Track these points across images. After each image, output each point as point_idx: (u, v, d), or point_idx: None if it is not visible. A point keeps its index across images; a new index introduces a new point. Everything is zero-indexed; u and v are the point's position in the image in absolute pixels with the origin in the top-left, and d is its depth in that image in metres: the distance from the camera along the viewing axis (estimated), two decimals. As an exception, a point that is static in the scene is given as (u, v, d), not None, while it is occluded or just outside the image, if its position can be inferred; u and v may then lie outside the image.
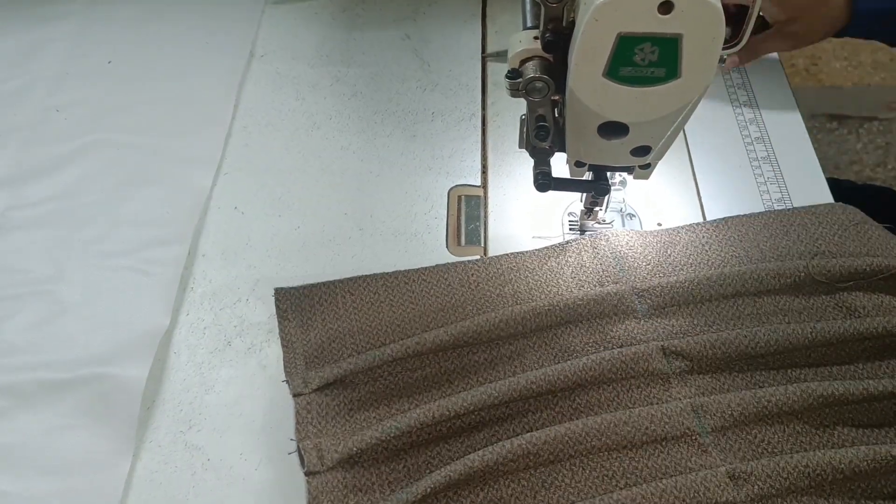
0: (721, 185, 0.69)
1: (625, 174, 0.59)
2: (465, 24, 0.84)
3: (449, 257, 0.63)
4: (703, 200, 0.67)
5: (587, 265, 0.61)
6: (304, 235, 0.65)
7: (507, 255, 0.62)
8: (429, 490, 0.48)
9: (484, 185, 0.69)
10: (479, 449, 0.52)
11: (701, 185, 0.69)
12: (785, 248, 0.62)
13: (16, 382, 0.55)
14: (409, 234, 0.65)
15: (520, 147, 0.56)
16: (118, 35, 0.82)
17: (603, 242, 0.62)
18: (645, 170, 0.54)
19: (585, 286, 0.60)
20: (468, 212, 0.67)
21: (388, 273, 0.60)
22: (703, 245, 0.62)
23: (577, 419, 0.53)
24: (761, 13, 0.71)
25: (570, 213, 0.66)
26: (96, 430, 0.53)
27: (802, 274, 0.59)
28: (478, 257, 0.63)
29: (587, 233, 0.64)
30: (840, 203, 0.65)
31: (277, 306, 0.59)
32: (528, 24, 0.50)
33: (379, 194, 0.68)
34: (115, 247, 0.64)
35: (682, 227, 0.63)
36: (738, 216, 0.64)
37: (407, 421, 0.51)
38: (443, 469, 0.49)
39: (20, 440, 0.53)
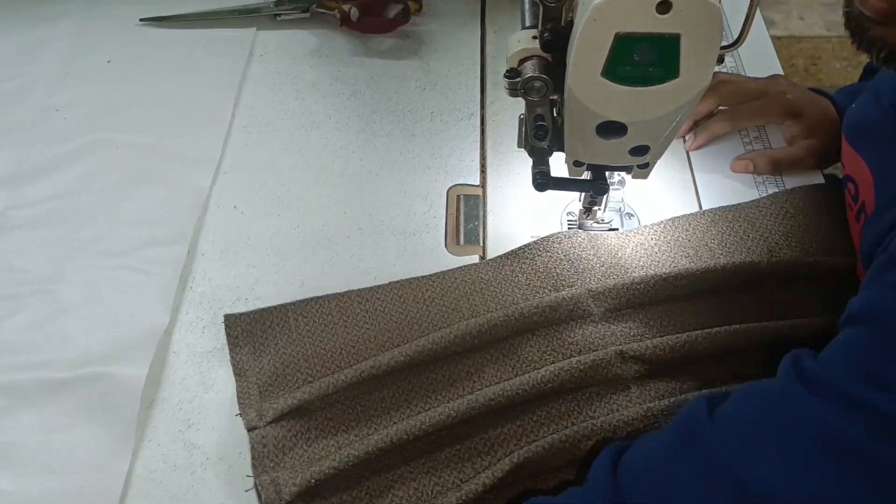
0: (719, 184, 0.69)
1: (623, 174, 0.59)
2: (465, 24, 0.84)
3: (448, 256, 0.63)
4: (701, 199, 0.68)
5: (541, 269, 0.60)
6: (303, 235, 0.65)
7: (461, 267, 0.61)
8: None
9: (483, 185, 0.69)
10: (442, 470, 0.51)
11: (699, 185, 0.69)
12: (733, 244, 0.62)
13: (16, 382, 0.55)
14: (407, 233, 0.65)
15: (518, 146, 0.56)
16: (118, 35, 0.82)
17: (556, 245, 0.61)
18: (643, 169, 0.54)
19: (541, 292, 0.59)
20: (467, 211, 0.67)
21: (341, 293, 0.59)
22: (651, 247, 0.62)
23: (538, 434, 0.52)
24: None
25: (568, 213, 0.67)
26: (96, 428, 0.53)
27: (752, 272, 0.59)
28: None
29: (540, 236, 0.63)
30: (783, 191, 0.65)
31: (228, 334, 0.57)
32: (527, 24, 0.50)
33: (378, 193, 0.68)
34: (114, 246, 0.64)
35: (632, 231, 0.63)
36: (684, 215, 0.64)
37: (365, 448, 0.50)
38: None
39: (20, 439, 0.53)
